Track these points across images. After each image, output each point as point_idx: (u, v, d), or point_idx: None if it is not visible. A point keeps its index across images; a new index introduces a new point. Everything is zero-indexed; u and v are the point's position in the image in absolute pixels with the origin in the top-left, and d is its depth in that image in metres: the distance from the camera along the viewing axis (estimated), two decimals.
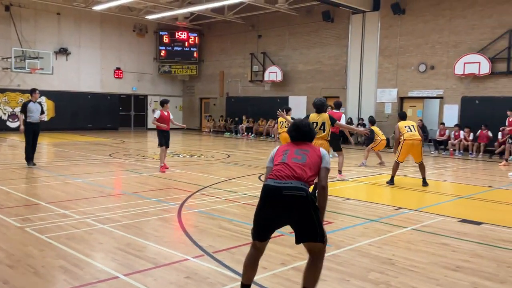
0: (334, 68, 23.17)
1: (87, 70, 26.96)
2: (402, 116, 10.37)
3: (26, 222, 6.04)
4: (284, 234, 5.70)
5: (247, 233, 5.70)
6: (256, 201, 7.56)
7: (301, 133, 3.82)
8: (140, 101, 29.97)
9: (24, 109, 11.35)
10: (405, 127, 9.81)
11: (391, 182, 9.82)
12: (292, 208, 3.49)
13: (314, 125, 7.81)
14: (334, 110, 10.20)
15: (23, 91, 24.56)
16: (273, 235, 5.60)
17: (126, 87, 28.89)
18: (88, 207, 7.04)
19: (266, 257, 4.78)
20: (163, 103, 11.45)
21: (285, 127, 11.05)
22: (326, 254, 4.91)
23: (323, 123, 7.98)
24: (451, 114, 18.79)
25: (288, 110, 11.57)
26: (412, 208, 7.55)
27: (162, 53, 29.73)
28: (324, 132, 7.97)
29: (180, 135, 25.74)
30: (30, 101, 11.53)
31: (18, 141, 19.15)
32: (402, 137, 9.76)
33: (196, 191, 8.50)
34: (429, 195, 8.94)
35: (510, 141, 13.94)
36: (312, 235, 3.53)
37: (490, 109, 17.43)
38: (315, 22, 23.61)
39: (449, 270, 4.63)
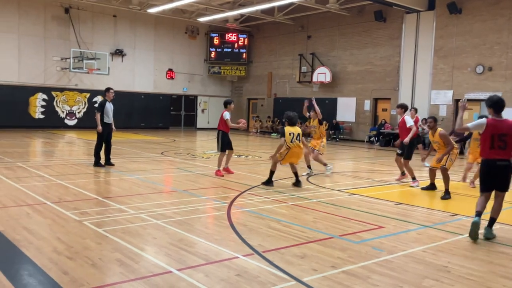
0: (386, 68, 22.66)
1: (141, 71, 27.84)
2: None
3: (84, 215, 6.31)
4: (334, 237, 5.65)
5: (296, 234, 5.70)
6: (304, 202, 7.57)
7: None
8: (190, 102, 30.59)
9: (102, 108, 11.00)
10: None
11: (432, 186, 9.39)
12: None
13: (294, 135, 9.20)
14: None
15: (81, 91, 25.72)
16: (322, 237, 5.60)
17: (177, 88, 29.58)
18: (142, 202, 7.26)
19: (316, 259, 4.77)
20: (228, 103, 10.77)
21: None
22: (377, 260, 4.84)
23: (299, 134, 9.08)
24: (510, 118, 17.92)
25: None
26: (469, 215, 7.24)
27: (212, 54, 30.20)
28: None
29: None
30: (106, 100, 11.17)
31: (75, 138, 20.05)
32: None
33: (245, 191, 8.57)
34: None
35: None
36: None
37: None
38: (367, 22, 23.20)
39: (508, 279, 4.41)
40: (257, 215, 6.70)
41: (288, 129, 9.19)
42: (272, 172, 9.22)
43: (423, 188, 9.51)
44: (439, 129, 9.19)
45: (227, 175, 10.53)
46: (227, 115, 10.55)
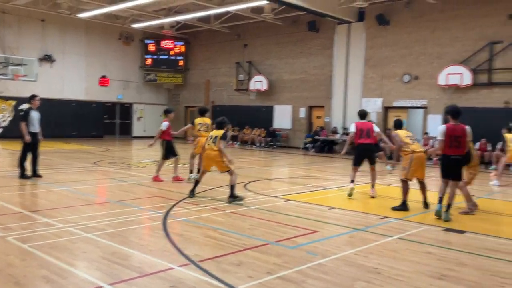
0: (320, 77, 23.35)
1: (72, 78, 26.69)
2: (399, 125, 8.83)
3: (7, 231, 5.92)
4: (270, 243, 5.70)
5: (233, 242, 5.69)
6: (241, 210, 7.57)
7: None
8: (125, 109, 29.76)
9: (26, 117, 10.44)
10: (407, 137, 8.41)
11: (402, 207, 8.20)
12: None
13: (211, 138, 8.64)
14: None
15: (6, 98, 24.23)
16: (258, 243, 5.62)
17: (112, 95, 28.68)
18: (71, 215, 6.93)
19: (252, 266, 4.78)
20: (168, 112, 11.03)
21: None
22: (311, 264, 4.94)
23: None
24: (435, 124, 19.04)
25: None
26: (398, 217, 7.60)
27: (148, 61, 29.64)
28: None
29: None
30: (30, 108, 10.62)
31: None
32: (408, 149, 8.24)
33: (181, 200, 8.44)
34: (414, 204, 8.99)
35: None
36: None
37: (473, 119, 17.53)
38: (301, 32, 23.81)
39: (434, 278, 4.66)
40: (194, 224, 6.62)
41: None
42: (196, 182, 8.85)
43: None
44: (393, 132, 8.87)
45: (159, 183, 10.37)
46: (164, 125, 10.67)
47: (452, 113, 7.46)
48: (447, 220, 7.21)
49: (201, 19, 25.16)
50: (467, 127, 7.45)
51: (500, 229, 7.11)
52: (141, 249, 5.33)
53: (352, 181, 9.43)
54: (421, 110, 19.97)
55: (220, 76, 28.30)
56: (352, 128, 9.50)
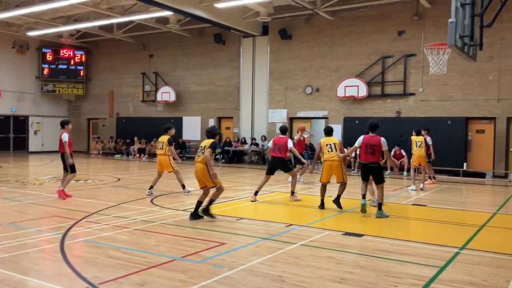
0: (227, 89, 23.60)
1: None
2: (327, 132, 9.92)
3: None
4: (177, 259, 5.60)
5: (137, 260, 5.50)
6: (147, 226, 7.36)
7: None
8: (21, 123, 27.65)
9: None
10: (327, 145, 9.46)
11: (321, 206, 9.41)
12: None
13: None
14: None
15: None
16: (164, 260, 5.50)
17: (4, 108, 26.50)
18: None
19: (157, 284, 4.66)
20: (65, 124, 10.52)
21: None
22: (218, 277, 4.94)
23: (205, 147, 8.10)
24: (335, 133, 20.02)
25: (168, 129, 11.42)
26: (301, 224, 7.87)
27: (45, 71, 27.89)
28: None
29: None
30: None
31: None
32: (323, 157, 9.53)
33: (82, 219, 8.00)
34: (317, 211, 9.39)
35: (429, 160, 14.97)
36: None
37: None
38: (208, 44, 23.93)
39: (334, 282, 4.88)
40: (95, 244, 6.30)
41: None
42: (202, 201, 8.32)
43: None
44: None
45: (59, 200, 9.77)
46: (65, 136, 10.26)
47: (370, 126, 8.93)
48: (380, 216, 8.45)
49: (103, 28, 24.26)
50: (382, 139, 8.70)
51: (394, 231, 7.64)
52: (35, 275, 4.95)
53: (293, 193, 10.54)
54: (323, 120, 20.99)
55: (125, 87, 27.44)
56: (270, 144, 10.68)
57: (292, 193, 10.55)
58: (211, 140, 8.15)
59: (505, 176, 16.88)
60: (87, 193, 11.35)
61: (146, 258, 5.61)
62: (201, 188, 8.24)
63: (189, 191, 11.34)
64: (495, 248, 6.45)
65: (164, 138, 11.17)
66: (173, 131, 11.48)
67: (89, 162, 22.32)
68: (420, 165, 13.14)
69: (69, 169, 10.33)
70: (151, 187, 11.12)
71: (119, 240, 6.56)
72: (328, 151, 9.45)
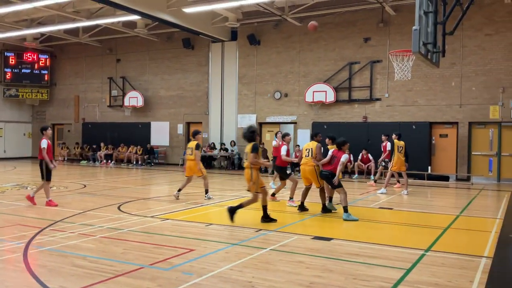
0: (196, 94, 23.49)
1: None
2: (311, 136, 10.20)
3: None
4: (145, 267, 5.51)
5: (103, 269, 5.39)
6: (114, 233, 7.22)
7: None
8: None
9: None
10: (306, 150, 9.66)
11: (300, 208, 9.71)
12: None
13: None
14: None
15: None
16: (131, 268, 5.40)
17: None
18: None
19: None
20: (44, 130, 10.40)
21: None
22: (187, 284, 4.88)
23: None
24: (304, 138, 20.32)
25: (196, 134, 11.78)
26: (271, 229, 7.89)
27: (8, 75, 27.06)
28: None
29: (30, 164, 23.47)
30: None
31: None
32: (301, 162, 9.74)
33: (46, 227, 7.77)
34: (287, 215, 9.44)
35: (383, 164, 15.23)
36: None
37: (336, 133, 19.18)
38: (176, 49, 23.78)
39: (304, 286, 4.90)
40: (60, 253, 6.13)
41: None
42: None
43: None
44: None
45: (31, 207, 9.47)
46: (44, 143, 10.12)
47: (337, 143, 9.28)
48: (345, 219, 8.72)
49: (68, 32, 23.74)
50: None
51: (362, 235, 7.75)
52: None
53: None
54: (292, 125, 21.15)
55: (91, 92, 26.91)
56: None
57: (290, 198, 10.67)
58: (251, 144, 8.15)
59: (468, 179, 17.43)
60: (59, 201, 11.03)
61: (113, 267, 5.50)
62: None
63: (209, 198, 11.35)
64: (458, 249, 6.64)
65: (192, 144, 11.41)
66: (200, 136, 11.72)
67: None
68: (400, 170, 13.24)
69: (45, 176, 10.15)
70: (179, 190, 11.41)
71: (85, 249, 6.40)
72: (306, 155, 9.60)
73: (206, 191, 11.50)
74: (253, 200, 8.26)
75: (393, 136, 13.51)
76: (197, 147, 11.34)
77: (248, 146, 8.18)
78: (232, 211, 8.21)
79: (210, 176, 18.41)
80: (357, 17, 19.42)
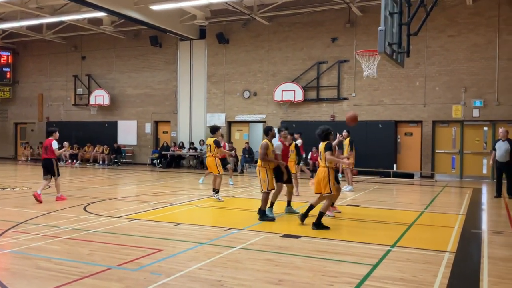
0: (164, 92, 23.23)
1: None
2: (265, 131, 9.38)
3: None
4: (112, 268, 5.41)
5: (69, 271, 5.26)
6: (80, 234, 7.06)
7: None
8: None
9: None
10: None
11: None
12: None
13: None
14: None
15: None
16: (98, 269, 5.30)
17: None
18: None
19: None
20: (54, 132, 11.03)
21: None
22: (155, 284, 4.83)
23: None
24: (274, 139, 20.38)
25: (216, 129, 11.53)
26: (240, 227, 7.89)
27: None
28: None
29: None
30: None
31: None
32: None
33: (8, 229, 7.52)
34: (256, 214, 9.46)
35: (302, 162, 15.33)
36: None
37: (305, 132, 19.38)
38: (143, 46, 23.45)
39: (273, 284, 4.93)
40: (23, 255, 5.95)
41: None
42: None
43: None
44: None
45: None
46: (55, 144, 10.75)
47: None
48: (286, 212, 9.17)
49: (31, 28, 23.06)
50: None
51: (331, 232, 7.81)
52: None
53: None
54: (261, 124, 21.20)
55: (55, 90, 26.22)
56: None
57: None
58: (324, 143, 8.07)
59: (431, 176, 17.92)
60: (14, 201, 10.70)
61: (79, 268, 5.38)
62: (315, 193, 8.20)
63: (218, 199, 10.97)
64: (423, 245, 6.82)
65: (210, 141, 11.30)
66: (220, 133, 11.76)
67: (16, 169, 21.08)
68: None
69: (57, 172, 10.87)
70: (217, 191, 11.12)
71: (49, 250, 6.23)
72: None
73: (217, 191, 11.06)
74: (329, 203, 8.00)
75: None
76: (217, 144, 11.16)
77: (322, 145, 8.11)
78: (318, 224, 7.78)
79: (179, 176, 18.29)
80: (325, 17, 19.64)
